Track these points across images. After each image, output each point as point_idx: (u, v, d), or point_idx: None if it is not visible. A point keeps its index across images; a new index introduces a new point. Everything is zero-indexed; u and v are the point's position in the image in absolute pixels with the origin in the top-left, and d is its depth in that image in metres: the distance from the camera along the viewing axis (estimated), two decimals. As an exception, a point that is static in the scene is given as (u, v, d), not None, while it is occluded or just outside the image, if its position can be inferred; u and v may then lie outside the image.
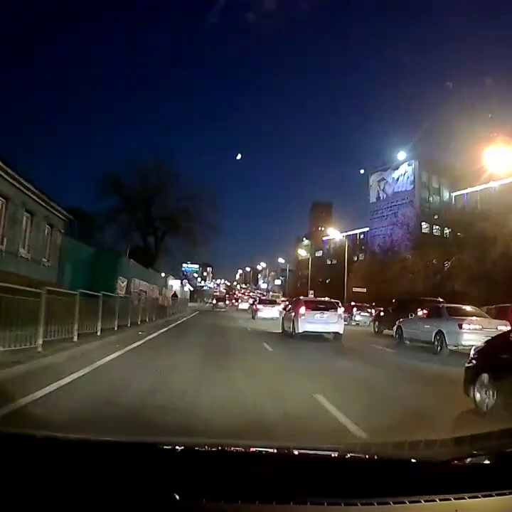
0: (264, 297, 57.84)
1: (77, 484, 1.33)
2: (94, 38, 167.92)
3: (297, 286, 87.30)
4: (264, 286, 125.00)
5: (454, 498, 1.45)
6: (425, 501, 1.43)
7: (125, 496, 1.33)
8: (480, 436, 2.19)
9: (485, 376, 5.73)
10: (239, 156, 74.85)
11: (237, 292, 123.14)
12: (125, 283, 26.72)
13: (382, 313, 23.55)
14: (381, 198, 73.85)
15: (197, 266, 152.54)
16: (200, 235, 40.42)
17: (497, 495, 1.49)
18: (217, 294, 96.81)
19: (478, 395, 5.75)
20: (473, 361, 6.25)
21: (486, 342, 6.80)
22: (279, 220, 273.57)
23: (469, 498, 1.47)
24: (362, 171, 74.74)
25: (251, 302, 46.28)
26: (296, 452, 1.71)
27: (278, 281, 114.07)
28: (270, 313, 29.49)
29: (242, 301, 67.32)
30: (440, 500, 1.44)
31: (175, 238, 41.92)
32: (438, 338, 13.76)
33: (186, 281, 48.15)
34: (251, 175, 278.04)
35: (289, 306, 20.29)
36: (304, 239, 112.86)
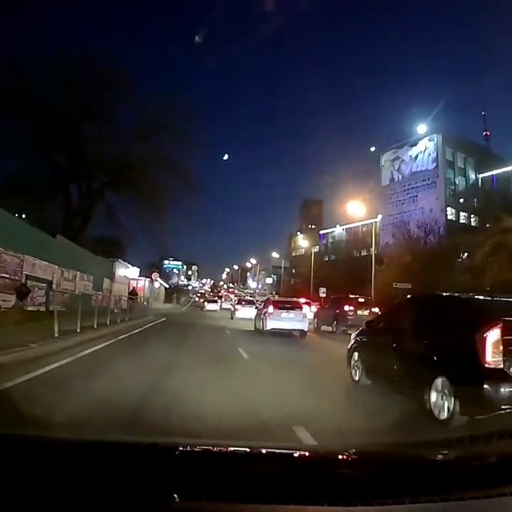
0: (250, 297, 52.29)
1: (77, 484, 1.34)
2: None
3: (292, 284, 77.31)
4: (253, 285, 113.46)
5: (454, 499, 1.46)
6: (425, 501, 1.44)
7: (125, 496, 1.33)
8: (480, 437, 2.34)
9: (355, 354, 8.01)
10: (226, 157, 68.68)
11: (222, 291, 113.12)
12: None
13: (320, 311, 24.43)
14: (396, 180, 62.42)
15: (180, 263, 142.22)
16: (167, 192, 24.95)
17: (497, 495, 1.49)
18: (200, 294, 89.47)
19: (352, 370, 8.00)
20: (351, 343, 8.46)
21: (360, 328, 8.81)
22: (267, 218, 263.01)
23: (469, 498, 1.47)
24: (372, 149, 63.73)
25: (234, 301, 39.48)
26: (296, 452, 1.74)
27: (269, 280, 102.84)
28: (248, 313, 27.72)
29: (226, 299, 57.56)
30: (440, 500, 1.45)
31: (124, 197, 25.77)
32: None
33: (157, 274, 35.84)
34: (239, 171, 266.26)
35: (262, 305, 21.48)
36: (299, 233, 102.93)
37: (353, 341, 8.40)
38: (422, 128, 60.39)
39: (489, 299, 6.98)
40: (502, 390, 4.87)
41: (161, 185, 24.68)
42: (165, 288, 51.31)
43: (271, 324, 17.62)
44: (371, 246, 75.06)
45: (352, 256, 77.39)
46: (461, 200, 57.89)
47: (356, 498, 1.41)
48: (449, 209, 55.79)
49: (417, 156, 60.74)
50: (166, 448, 1.67)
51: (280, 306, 18.35)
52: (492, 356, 4.97)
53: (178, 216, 27.23)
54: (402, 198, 60.41)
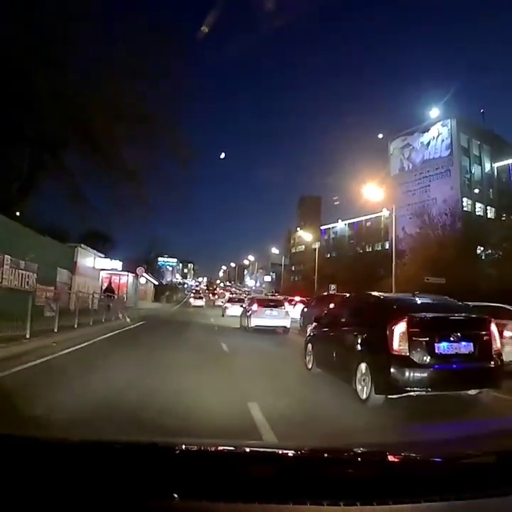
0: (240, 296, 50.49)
1: (76, 485, 1.34)
2: None
3: (293, 281, 73.06)
4: (251, 283, 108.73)
5: (454, 498, 1.46)
6: (425, 501, 1.43)
7: (125, 496, 1.33)
8: (480, 437, 2.32)
9: (309, 346, 9.09)
10: (222, 155, 66.78)
11: (217, 289, 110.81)
12: None
13: (305, 310, 23.31)
14: (406, 169, 57.84)
15: (175, 260, 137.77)
16: (144, 154, 18.76)
17: (497, 495, 1.49)
18: (194, 291, 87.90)
19: (306, 360, 9.04)
20: (306, 336, 9.81)
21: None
22: (265, 216, 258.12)
23: (469, 498, 1.47)
24: (380, 136, 58.66)
25: (225, 300, 39.35)
26: (296, 452, 1.72)
27: (268, 278, 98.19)
28: (238, 310, 27.10)
29: (219, 297, 59.30)
30: (440, 500, 1.44)
31: (87, 165, 19.24)
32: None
33: (142, 269, 30.96)
34: (237, 169, 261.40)
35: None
36: (298, 229, 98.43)
37: (308, 335, 9.69)
38: (434, 112, 56.02)
39: (408, 297, 7.36)
40: (407, 374, 5.79)
41: (133, 146, 18.95)
42: (154, 285, 46.39)
43: (255, 321, 18.55)
44: (380, 240, 72.53)
45: (356, 252, 74.13)
46: (477, 191, 53.60)
47: (356, 498, 1.41)
48: (464, 199, 51.29)
49: (429, 143, 56.25)
50: (165, 448, 1.64)
51: (264, 304, 19.37)
52: (399, 345, 5.90)
53: (164, 198, 21.74)
54: (413, 188, 55.87)
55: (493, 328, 6.38)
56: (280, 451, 1.77)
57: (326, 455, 1.73)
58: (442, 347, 5.92)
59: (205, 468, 1.46)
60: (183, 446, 1.64)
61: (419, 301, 6.96)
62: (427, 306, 6.86)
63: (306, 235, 57.94)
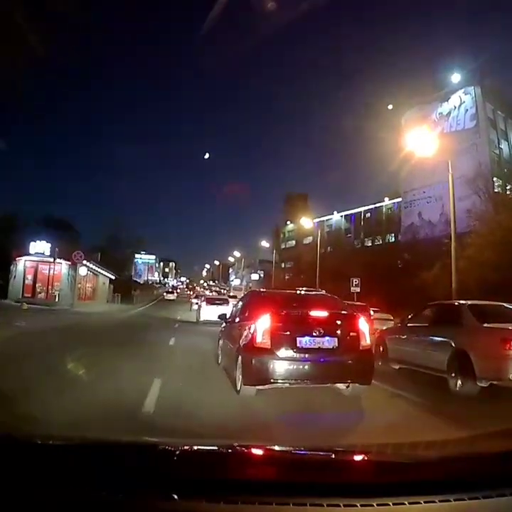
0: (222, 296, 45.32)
1: (76, 485, 1.33)
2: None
3: (287, 279, 64.75)
4: (237, 282, 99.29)
5: (454, 499, 1.46)
6: (425, 502, 1.43)
7: (125, 496, 1.33)
8: (480, 437, 2.27)
9: (220, 342, 9.30)
10: (206, 155, 62.09)
11: (197, 288, 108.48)
12: None
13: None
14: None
15: (153, 257, 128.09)
16: None
17: (497, 495, 1.49)
18: (171, 289, 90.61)
19: (218, 356, 9.24)
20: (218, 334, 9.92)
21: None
22: (249, 215, 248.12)
23: (469, 498, 1.47)
24: (390, 107, 49.53)
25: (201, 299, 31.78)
26: (296, 453, 1.74)
27: (255, 276, 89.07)
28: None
29: (197, 296, 53.29)
30: (440, 500, 1.44)
31: None
32: None
33: (81, 254, 20.80)
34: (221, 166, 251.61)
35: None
36: (288, 222, 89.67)
37: (219, 331, 9.96)
38: (455, 77, 47.56)
39: (283, 294, 8.42)
40: (270, 366, 6.06)
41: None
42: (111, 280, 36.15)
43: (203, 316, 21.49)
44: (385, 232, 64.39)
45: (354, 245, 66.45)
46: (505, 170, 45.00)
47: (356, 499, 1.41)
48: (495, 179, 42.54)
49: (449, 114, 47.69)
50: (166, 448, 1.66)
51: (212, 301, 23.13)
52: (262, 339, 6.17)
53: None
54: (431, 166, 46.80)
55: (362, 325, 6.62)
56: (280, 452, 1.77)
57: (325, 456, 1.73)
58: (304, 341, 6.17)
59: (205, 468, 1.47)
60: (183, 447, 1.65)
61: (292, 298, 7.60)
62: (299, 302, 7.29)
63: (305, 222, 48.88)
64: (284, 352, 6.03)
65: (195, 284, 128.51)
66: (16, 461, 1.39)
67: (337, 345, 6.19)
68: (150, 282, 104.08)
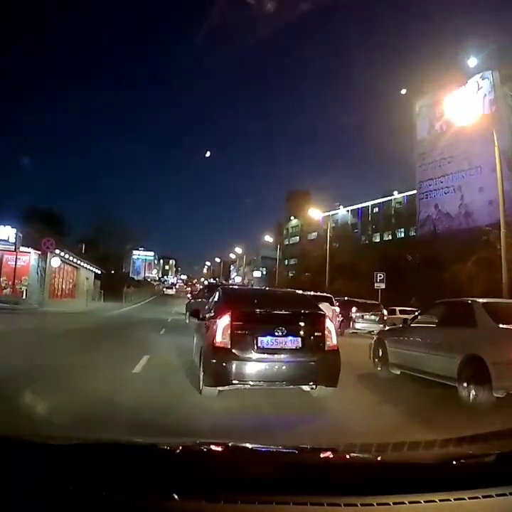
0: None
1: (76, 485, 1.33)
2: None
3: (291, 277, 62.15)
4: (238, 279, 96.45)
5: (454, 499, 1.45)
6: (425, 502, 1.43)
7: (125, 496, 1.33)
8: (480, 437, 2.20)
9: (194, 340, 8.65)
10: (208, 154, 61.28)
11: (197, 285, 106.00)
12: None
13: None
14: (438, 131, 45.52)
15: (152, 253, 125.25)
16: None
17: (497, 495, 1.48)
18: (170, 285, 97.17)
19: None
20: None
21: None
22: (251, 213, 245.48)
23: (469, 498, 1.47)
24: (403, 92, 46.06)
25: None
26: (296, 452, 1.74)
27: (258, 273, 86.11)
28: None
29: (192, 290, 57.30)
30: (440, 500, 1.44)
31: None
32: None
33: (52, 242, 17.68)
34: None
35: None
36: (292, 218, 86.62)
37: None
38: (472, 61, 44.21)
39: (249, 291, 8.38)
40: (230, 366, 5.78)
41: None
42: (97, 275, 32.74)
43: (190, 309, 21.15)
44: (391, 228, 61.32)
45: (360, 241, 63.88)
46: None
47: (356, 499, 1.41)
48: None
49: (466, 99, 44.19)
50: (166, 448, 1.66)
51: (197, 296, 23.29)
52: (221, 338, 5.89)
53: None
54: (449, 155, 43.57)
55: (328, 324, 6.39)
56: (280, 452, 1.78)
57: (326, 455, 1.72)
58: (265, 341, 5.94)
59: (205, 468, 1.47)
60: (183, 447, 1.64)
61: (257, 295, 7.46)
62: (264, 300, 6.92)
63: (314, 213, 46.07)
64: (244, 352, 5.86)
65: (194, 281, 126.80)
66: (15, 461, 1.37)
67: (301, 345, 6.03)
68: (148, 279, 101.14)
